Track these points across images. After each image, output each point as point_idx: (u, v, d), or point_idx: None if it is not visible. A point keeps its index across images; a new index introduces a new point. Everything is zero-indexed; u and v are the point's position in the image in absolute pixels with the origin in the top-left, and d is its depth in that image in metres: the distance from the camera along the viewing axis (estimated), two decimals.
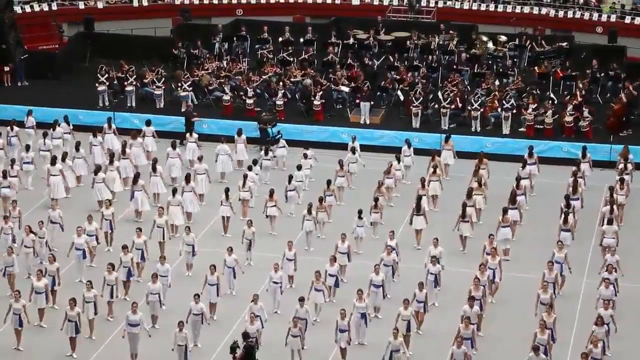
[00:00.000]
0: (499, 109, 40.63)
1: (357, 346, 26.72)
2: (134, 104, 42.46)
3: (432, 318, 27.87)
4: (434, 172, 35.00)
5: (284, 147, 38.02)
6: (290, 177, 34.46)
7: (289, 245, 29.49)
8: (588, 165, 35.93)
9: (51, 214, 31.58)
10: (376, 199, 32.75)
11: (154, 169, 34.74)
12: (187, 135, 37.83)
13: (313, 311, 27.66)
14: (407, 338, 26.11)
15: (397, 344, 25.11)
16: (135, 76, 42.82)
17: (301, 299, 26.55)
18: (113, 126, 38.27)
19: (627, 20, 50.94)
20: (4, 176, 34.00)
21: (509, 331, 27.71)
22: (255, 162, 35.73)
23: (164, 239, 31.09)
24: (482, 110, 40.49)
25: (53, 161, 34.65)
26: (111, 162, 35.23)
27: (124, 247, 29.03)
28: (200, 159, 35.38)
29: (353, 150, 36.85)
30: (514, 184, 33.95)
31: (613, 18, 51.15)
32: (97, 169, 34.64)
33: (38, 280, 27.49)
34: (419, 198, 32.52)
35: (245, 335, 24.56)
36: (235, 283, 29.27)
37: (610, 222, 31.24)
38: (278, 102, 41.36)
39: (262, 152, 37.01)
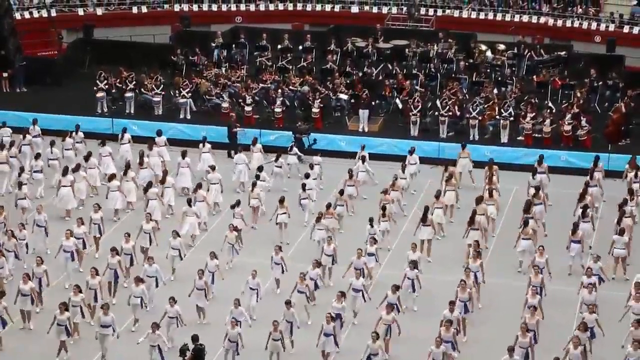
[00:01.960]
0: (497, 118, 40.67)
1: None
2: (132, 111, 42.48)
3: (413, 323, 27.86)
4: (448, 181, 34.87)
5: (296, 154, 37.92)
6: (304, 185, 34.30)
7: (275, 250, 29.55)
8: (601, 175, 35.62)
9: (36, 217, 31.49)
10: (384, 207, 32.53)
11: (163, 181, 34.68)
12: (201, 145, 37.59)
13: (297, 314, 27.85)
14: (386, 342, 26.22)
15: (375, 347, 25.20)
16: (134, 83, 42.85)
17: (287, 302, 26.67)
18: (127, 135, 38.13)
19: (626, 29, 51.02)
20: (19, 187, 33.80)
21: (507, 338, 27.59)
22: (260, 168, 35.63)
23: (150, 244, 30.93)
24: (480, 118, 40.53)
25: (65, 172, 34.53)
26: (125, 172, 34.99)
27: (113, 250, 29.00)
28: (213, 168, 35.30)
29: (363, 159, 36.74)
30: (532, 193, 33.77)
31: (611, 27, 51.24)
32: (112, 177, 34.54)
33: (24, 283, 27.50)
34: (426, 209, 32.24)
35: (195, 338, 24.80)
36: (214, 287, 29.13)
37: (621, 233, 31.10)
38: (277, 110, 41.41)
39: (273, 159, 36.95)
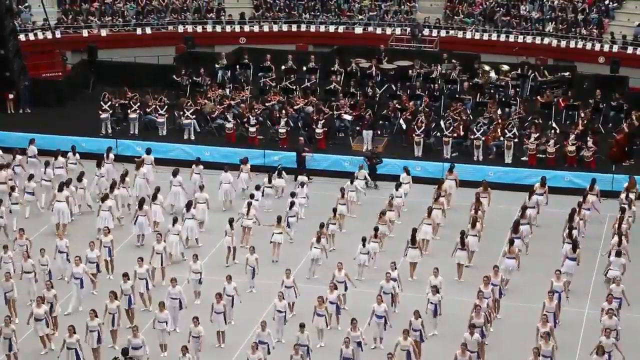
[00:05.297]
0: (501, 138, 40.66)
1: None
2: (136, 132, 42.53)
3: (430, 347, 27.78)
4: (436, 200, 34.93)
5: (283, 178, 37.82)
6: (292, 204, 34.51)
7: (286, 274, 29.48)
8: (596, 197, 35.57)
9: (58, 243, 31.42)
10: (376, 228, 32.65)
11: (155, 198, 34.76)
12: (194, 165, 37.58)
13: (316, 336, 27.77)
14: None
15: None
16: (138, 104, 42.89)
17: (302, 325, 26.60)
18: (111, 156, 38.12)
19: (629, 50, 51.03)
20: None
21: None
22: (258, 187, 35.72)
23: (162, 264, 31.08)
24: (484, 139, 40.52)
25: (60, 187, 34.59)
26: (111, 190, 35.19)
27: (125, 275, 28.93)
28: (201, 187, 35.33)
29: (351, 180, 36.82)
30: (519, 213, 33.89)
31: (615, 48, 51.25)
32: (105, 197, 34.55)
33: (38, 307, 27.45)
34: (414, 230, 32.28)
35: (124, 352, 24.77)
36: (233, 311, 29.15)
37: (618, 255, 31.06)
38: (280, 130, 41.43)
39: (266, 179, 37.03)
